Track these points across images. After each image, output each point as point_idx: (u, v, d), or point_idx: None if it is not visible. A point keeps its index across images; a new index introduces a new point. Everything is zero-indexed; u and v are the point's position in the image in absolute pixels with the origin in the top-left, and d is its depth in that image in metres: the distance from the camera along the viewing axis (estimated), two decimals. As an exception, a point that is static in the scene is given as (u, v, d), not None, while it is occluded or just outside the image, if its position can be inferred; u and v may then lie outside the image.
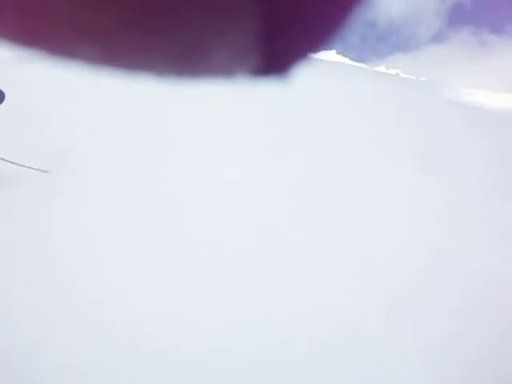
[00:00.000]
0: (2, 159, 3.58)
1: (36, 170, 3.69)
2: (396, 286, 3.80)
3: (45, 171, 3.71)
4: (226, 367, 2.49)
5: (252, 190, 4.75)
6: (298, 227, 4.12)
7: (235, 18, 0.25)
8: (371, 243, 4.05)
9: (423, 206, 6.23)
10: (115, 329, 2.62)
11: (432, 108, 15.49)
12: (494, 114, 14.79)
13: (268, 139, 6.44)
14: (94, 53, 0.27)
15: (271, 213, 4.27)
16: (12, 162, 3.69)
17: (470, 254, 4.08)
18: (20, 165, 3.73)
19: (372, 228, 4.68)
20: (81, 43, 0.26)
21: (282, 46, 0.28)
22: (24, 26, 0.25)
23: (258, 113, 7.43)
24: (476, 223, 5.27)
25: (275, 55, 0.28)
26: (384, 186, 7.08)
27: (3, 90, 4.00)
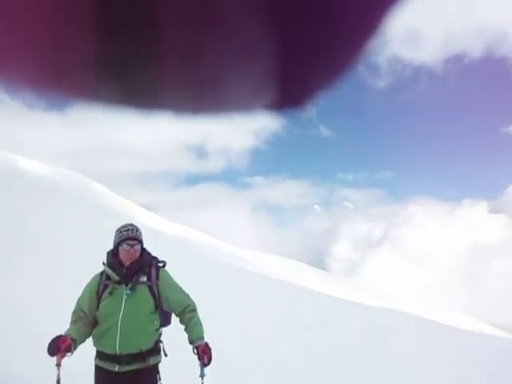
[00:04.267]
0: None
1: None
2: None
3: None
4: None
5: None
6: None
7: (252, 55, 0.26)
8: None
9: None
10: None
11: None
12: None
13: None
14: (112, 92, 0.27)
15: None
16: None
17: None
18: None
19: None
20: (99, 83, 0.27)
21: (298, 82, 0.28)
22: (42, 68, 0.26)
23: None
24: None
25: (291, 91, 0.29)
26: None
27: None
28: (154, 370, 2.57)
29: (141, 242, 2.63)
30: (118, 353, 2.44)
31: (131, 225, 2.65)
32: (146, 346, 2.51)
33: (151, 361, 2.54)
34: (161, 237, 15.45)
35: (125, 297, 2.49)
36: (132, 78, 0.27)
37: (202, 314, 2.74)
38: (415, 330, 11.27)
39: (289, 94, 0.29)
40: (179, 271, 3.43)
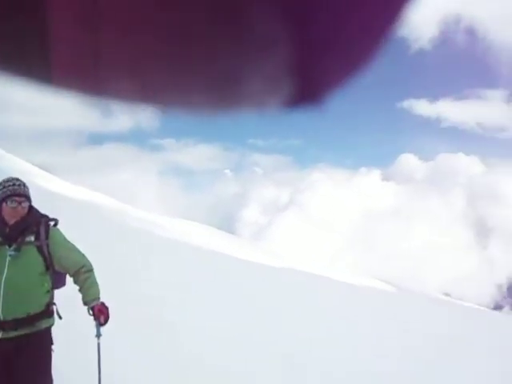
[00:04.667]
0: None
1: None
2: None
3: None
4: None
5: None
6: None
7: (267, 50, 0.25)
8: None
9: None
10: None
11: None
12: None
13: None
14: (134, 90, 0.27)
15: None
16: None
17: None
18: None
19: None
20: (121, 81, 0.27)
21: (314, 77, 0.28)
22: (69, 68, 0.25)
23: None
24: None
25: (307, 85, 0.29)
26: None
27: None
28: (46, 333, 2.46)
29: (29, 198, 2.48)
30: (2, 318, 2.28)
31: (17, 179, 2.45)
32: (35, 309, 2.38)
33: (43, 324, 2.42)
34: (61, 200, 14.48)
35: (8, 258, 2.34)
36: (152, 75, 0.26)
37: (109, 278, 2.66)
38: (321, 290, 12.17)
39: (305, 89, 0.29)
40: (82, 236, 3.35)
